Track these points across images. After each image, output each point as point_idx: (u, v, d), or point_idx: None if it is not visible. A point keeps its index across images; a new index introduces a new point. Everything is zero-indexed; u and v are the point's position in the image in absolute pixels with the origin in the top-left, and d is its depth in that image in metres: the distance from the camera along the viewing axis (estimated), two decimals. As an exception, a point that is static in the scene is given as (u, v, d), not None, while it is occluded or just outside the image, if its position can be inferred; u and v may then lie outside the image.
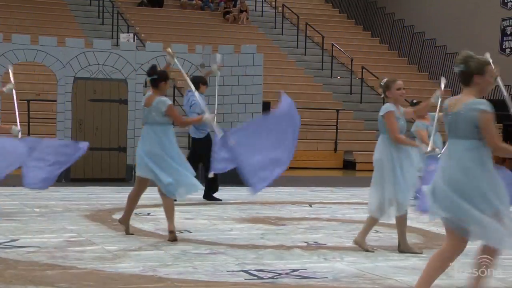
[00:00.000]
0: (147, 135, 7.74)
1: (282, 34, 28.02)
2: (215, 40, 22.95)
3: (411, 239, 7.90)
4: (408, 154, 7.03)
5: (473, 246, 7.39)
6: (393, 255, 7.00)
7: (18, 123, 9.46)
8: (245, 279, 5.76)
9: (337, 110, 21.47)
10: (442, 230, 8.52)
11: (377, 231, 8.52)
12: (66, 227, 8.26)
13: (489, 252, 4.78)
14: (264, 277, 5.83)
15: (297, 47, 27.03)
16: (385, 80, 7.21)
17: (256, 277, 5.83)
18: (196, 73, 15.02)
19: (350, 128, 22.44)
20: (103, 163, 14.14)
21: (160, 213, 9.54)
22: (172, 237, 7.45)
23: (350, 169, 20.28)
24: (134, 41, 18.33)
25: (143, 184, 7.73)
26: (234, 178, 14.38)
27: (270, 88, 22.02)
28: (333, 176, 17.50)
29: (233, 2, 29.72)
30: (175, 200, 7.81)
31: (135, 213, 9.41)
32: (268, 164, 7.56)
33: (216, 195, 11.40)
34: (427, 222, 9.05)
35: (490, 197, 4.53)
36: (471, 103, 4.61)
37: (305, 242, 7.61)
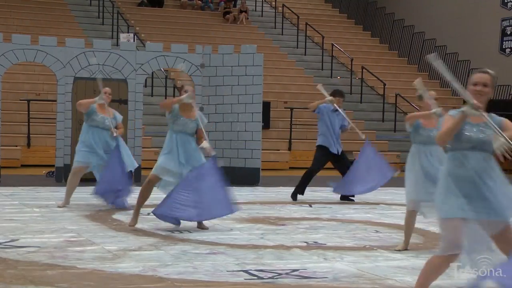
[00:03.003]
0: None
1: (282, 34, 28.02)
2: (215, 40, 22.95)
3: (411, 239, 7.90)
4: None
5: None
6: (393, 255, 7.00)
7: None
8: (245, 279, 5.76)
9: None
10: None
11: (377, 231, 8.52)
12: (66, 227, 8.26)
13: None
14: (264, 277, 5.83)
15: (297, 47, 27.03)
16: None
17: (256, 277, 5.83)
18: (196, 73, 15.04)
19: (350, 128, 22.43)
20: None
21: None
22: None
23: (350, 169, 20.25)
24: (134, 41, 18.34)
25: None
26: (234, 178, 14.42)
27: (270, 88, 22.03)
28: (333, 176, 17.46)
29: (233, 2, 29.73)
30: None
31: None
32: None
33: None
34: (426, 222, 9.06)
35: None
36: None
37: (305, 242, 7.61)
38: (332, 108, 11.67)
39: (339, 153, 11.80)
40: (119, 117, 10.49)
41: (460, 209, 4.63)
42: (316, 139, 11.99)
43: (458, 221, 4.62)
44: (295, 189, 11.76)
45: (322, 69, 25.57)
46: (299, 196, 11.73)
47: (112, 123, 10.16)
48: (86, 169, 10.30)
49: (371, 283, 5.72)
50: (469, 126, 4.71)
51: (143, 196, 8.37)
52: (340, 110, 11.66)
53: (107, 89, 10.45)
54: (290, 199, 11.65)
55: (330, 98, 11.59)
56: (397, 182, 10.15)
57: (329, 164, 12.16)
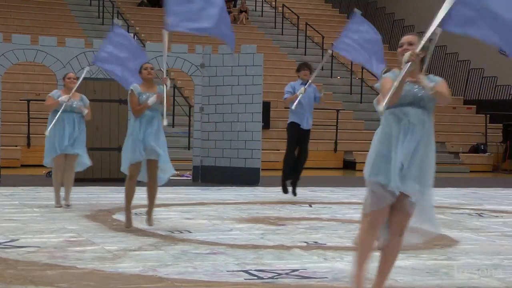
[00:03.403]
0: None
1: (282, 34, 28.03)
2: (215, 40, 22.90)
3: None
4: None
5: (475, 247, 7.39)
6: (393, 255, 6.98)
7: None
8: (245, 279, 5.76)
9: (337, 110, 21.46)
10: (443, 230, 8.52)
11: (377, 231, 8.51)
12: (66, 227, 8.26)
13: None
14: (264, 277, 5.83)
15: (297, 47, 27.04)
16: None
17: (256, 277, 5.83)
18: (196, 73, 15.04)
19: (350, 128, 22.43)
20: (103, 163, 14.12)
21: (160, 213, 9.54)
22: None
23: (350, 169, 20.29)
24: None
25: None
26: (234, 178, 14.42)
27: (270, 88, 22.04)
28: (333, 176, 17.49)
29: (233, 2, 29.73)
30: None
31: (135, 213, 9.41)
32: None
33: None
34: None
35: None
36: None
37: (305, 242, 7.61)
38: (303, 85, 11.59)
39: (308, 130, 11.73)
40: (86, 99, 10.27)
41: (382, 175, 4.83)
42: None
43: (375, 184, 4.87)
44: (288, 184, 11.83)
45: (322, 69, 25.55)
46: (298, 195, 11.73)
47: (79, 105, 10.10)
48: (63, 157, 10.06)
49: (371, 283, 5.71)
50: (407, 84, 4.95)
51: (128, 196, 8.27)
52: (310, 79, 11.58)
53: (71, 74, 10.48)
54: (290, 199, 11.65)
55: (300, 91, 11.50)
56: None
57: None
